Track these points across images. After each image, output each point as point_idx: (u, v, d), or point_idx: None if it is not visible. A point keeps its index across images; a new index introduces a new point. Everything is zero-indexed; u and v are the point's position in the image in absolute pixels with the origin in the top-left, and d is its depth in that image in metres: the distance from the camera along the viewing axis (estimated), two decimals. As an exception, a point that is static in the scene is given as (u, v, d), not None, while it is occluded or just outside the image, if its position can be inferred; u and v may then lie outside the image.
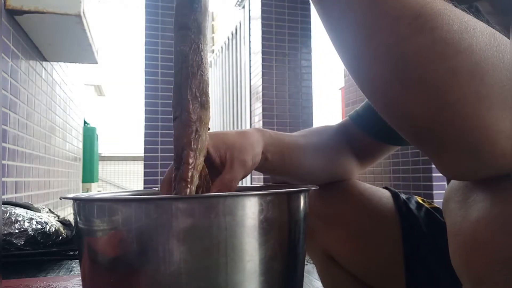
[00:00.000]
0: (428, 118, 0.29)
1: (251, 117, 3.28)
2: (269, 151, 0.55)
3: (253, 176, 3.15)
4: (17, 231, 1.24)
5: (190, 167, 0.40)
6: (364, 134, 0.63)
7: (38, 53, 2.03)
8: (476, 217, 0.30)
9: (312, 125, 2.90)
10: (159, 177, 2.53)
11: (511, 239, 0.28)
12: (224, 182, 0.47)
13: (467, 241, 0.30)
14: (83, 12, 1.68)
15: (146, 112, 2.59)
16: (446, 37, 0.27)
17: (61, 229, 1.39)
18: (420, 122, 0.30)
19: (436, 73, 0.27)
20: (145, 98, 2.60)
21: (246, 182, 3.35)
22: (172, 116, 0.40)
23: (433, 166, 1.91)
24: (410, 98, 0.29)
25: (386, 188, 0.67)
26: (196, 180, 0.41)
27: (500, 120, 0.27)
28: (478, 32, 0.28)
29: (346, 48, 0.33)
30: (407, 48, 0.28)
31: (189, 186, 0.40)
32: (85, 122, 3.82)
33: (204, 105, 0.40)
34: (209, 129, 0.42)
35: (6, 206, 1.33)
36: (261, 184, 2.72)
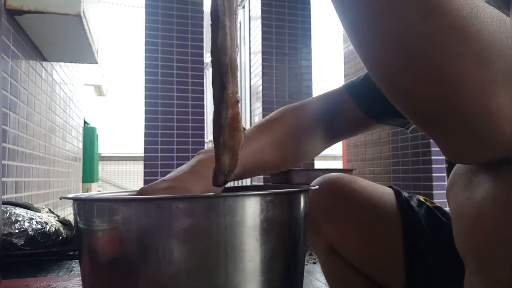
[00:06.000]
0: (434, 103, 0.29)
1: (251, 117, 3.29)
2: (245, 175, 0.58)
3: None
4: (17, 231, 1.24)
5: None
6: (354, 104, 0.64)
7: (38, 53, 2.03)
8: (480, 198, 0.31)
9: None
10: (159, 177, 2.52)
11: None
12: None
13: (472, 220, 0.31)
14: (83, 12, 1.68)
15: (146, 112, 2.59)
16: (454, 22, 0.27)
17: (61, 229, 1.39)
18: (426, 107, 0.30)
19: (443, 59, 0.28)
20: (145, 98, 2.60)
21: (246, 181, 3.35)
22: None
23: (433, 166, 1.92)
24: (417, 83, 0.29)
25: (389, 187, 0.68)
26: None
27: (505, 106, 0.27)
28: (487, 17, 0.27)
29: (356, 33, 0.33)
30: (415, 34, 0.28)
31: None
32: (85, 122, 3.82)
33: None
34: None
35: (6, 206, 1.33)
36: (261, 184, 2.72)
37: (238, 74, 0.43)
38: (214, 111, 0.43)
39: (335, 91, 0.68)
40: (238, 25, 0.43)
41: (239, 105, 0.43)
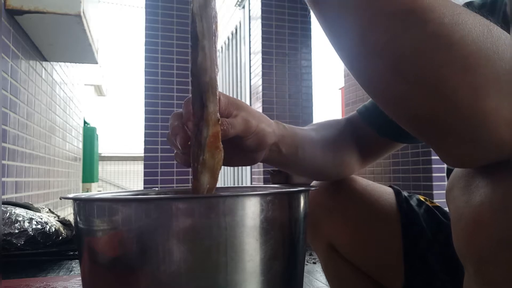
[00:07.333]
0: (427, 110, 0.30)
1: (251, 117, 3.28)
2: (284, 144, 0.54)
3: (253, 176, 3.15)
4: (17, 231, 1.24)
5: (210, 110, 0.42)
6: (370, 129, 0.63)
7: (38, 53, 2.03)
8: (479, 201, 0.31)
9: (312, 125, 2.88)
10: (159, 177, 2.52)
11: None
12: (222, 122, 0.45)
13: (470, 224, 0.31)
14: (83, 12, 1.68)
15: (146, 112, 2.59)
16: (438, 30, 0.28)
17: (61, 229, 1.39)
18: (420, 114, 0.30)
19: (431, 66, 0.28)
20: (145, 98, 2.60)
21: (246, 182, 3.35)
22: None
23: (433, 166, 1.92)
24: (409, 92, 0.30)
25: (389, 186, 0.68)
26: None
27: (498, 108, 0.28)
28: (470, 24, 0.28)
29: (344, 48, 0.33)
30: (402, 44, 0.29)
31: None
32: (85, 122, 3.82)
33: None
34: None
35: (6, 206, 1.33)
36: (261, 184, 2.72)
37: (218, 90, 0.43)
38: (193, 130, 0.43)
39: (351, 116, 0.67)
40: (218, 46, 0.43)
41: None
